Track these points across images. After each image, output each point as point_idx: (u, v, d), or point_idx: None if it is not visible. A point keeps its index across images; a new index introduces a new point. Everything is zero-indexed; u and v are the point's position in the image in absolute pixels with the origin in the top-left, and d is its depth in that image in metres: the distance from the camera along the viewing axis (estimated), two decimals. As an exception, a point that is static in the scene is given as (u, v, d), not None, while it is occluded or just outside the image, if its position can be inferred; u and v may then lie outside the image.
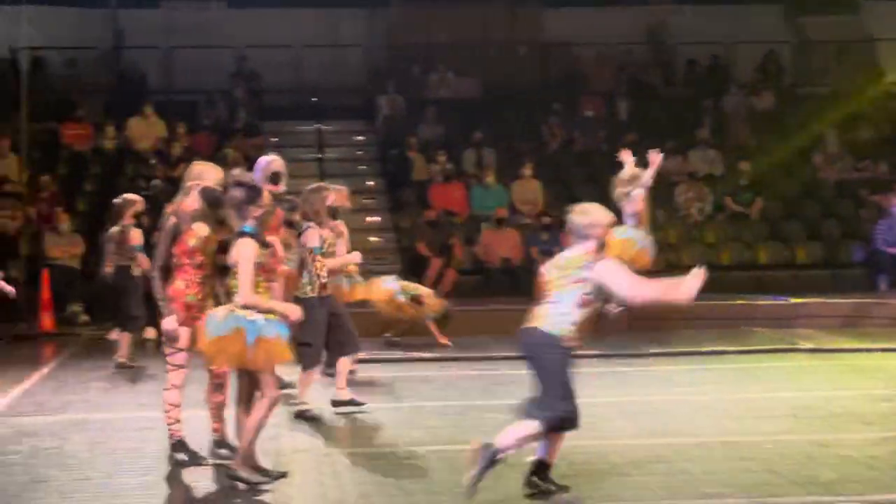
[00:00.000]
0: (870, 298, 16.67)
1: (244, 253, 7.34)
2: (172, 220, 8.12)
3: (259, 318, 7.34)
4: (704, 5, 24.24)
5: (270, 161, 10.44)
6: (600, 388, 11.47)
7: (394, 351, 13.69)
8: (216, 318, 7.41)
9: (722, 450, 8.64)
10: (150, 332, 15.01)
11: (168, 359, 8.14)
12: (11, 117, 20.24)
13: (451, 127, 21.61)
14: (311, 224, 9.89)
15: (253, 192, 7.52)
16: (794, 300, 15.85)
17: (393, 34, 23.98)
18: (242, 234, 7.43)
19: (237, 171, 7.92)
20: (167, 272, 8.05)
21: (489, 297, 17.09)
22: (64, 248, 17.26)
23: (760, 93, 22.79)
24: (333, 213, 10.39)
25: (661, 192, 19.99)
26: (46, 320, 15.47)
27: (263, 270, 7.47)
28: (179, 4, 22.69)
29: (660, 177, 20.12)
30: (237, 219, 7.48)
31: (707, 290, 17.43)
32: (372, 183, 20.77)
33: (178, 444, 8.22)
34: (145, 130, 20.41)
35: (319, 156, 21.00)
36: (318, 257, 9.77)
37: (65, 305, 16.51)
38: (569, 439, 8.97)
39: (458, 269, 17.91)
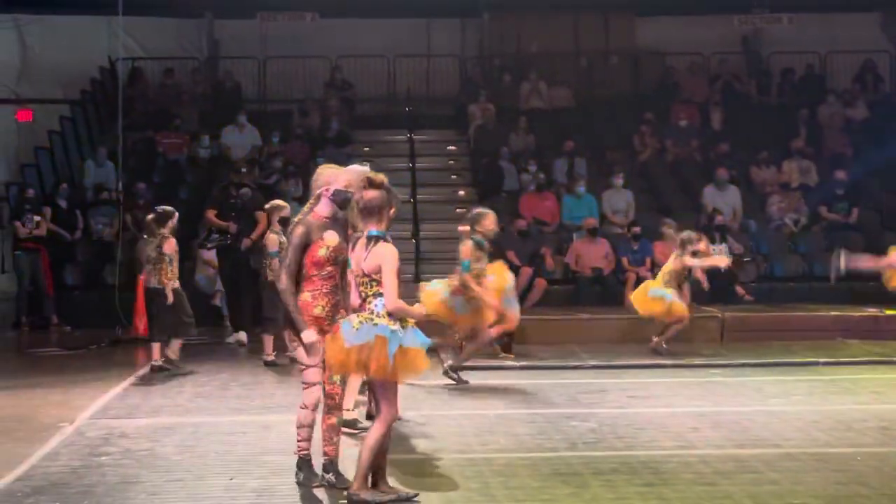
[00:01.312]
0: None
1: (389, 258, 7.11)
2: (301, 229, 7.74)
3: (398, 327, 7.12)
4: (800, 13, 23.95)
5: (362, 172, 10.53)
6: (689, 397, 11.44)
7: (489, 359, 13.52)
8: (352, 326, 7.16)
9: (811, 461, 8.54)
10: (241, 337, 15.27)
11: (303, 376, 7.81)
12: (109, 126, 20.70)
13: (543, 136, 21.60)
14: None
15: (390, 195, 7.31)
16: (888, 312, 15.58)
17: (485, 43, 24.06)
18: (377, 238, 7.20)
19: (371, 173, 7.49)
20: (297, 284, 7.73)
21: (579, 306, 17.05)
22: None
23: (857, 102, 22.46)
24: None
25: (754, 203, 19.87)
26: (141, 326, 15.73)
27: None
28: (275, 15, 22.96)
29: (753, 188, 20.10)
30: (369, 222, 7.26)
31: (800, 300, 17.35)
32: (463, 192, 20.82)
33: (300, 462, 7.92)
34: (239, 139, 20.70)
35: (411, 165, 21.09)
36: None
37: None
38: (655, 448, 8.99)
39: (549, 279, 17.90)
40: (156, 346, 13.18)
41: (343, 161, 20.54)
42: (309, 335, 7.61)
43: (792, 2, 24.08)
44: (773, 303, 17.12)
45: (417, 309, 7.35)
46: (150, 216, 13.27)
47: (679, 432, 9.70)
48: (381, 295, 7.15)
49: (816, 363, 13.37)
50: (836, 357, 13.73)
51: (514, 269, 17.56)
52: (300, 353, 7.77)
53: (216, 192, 16.71)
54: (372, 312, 7.16)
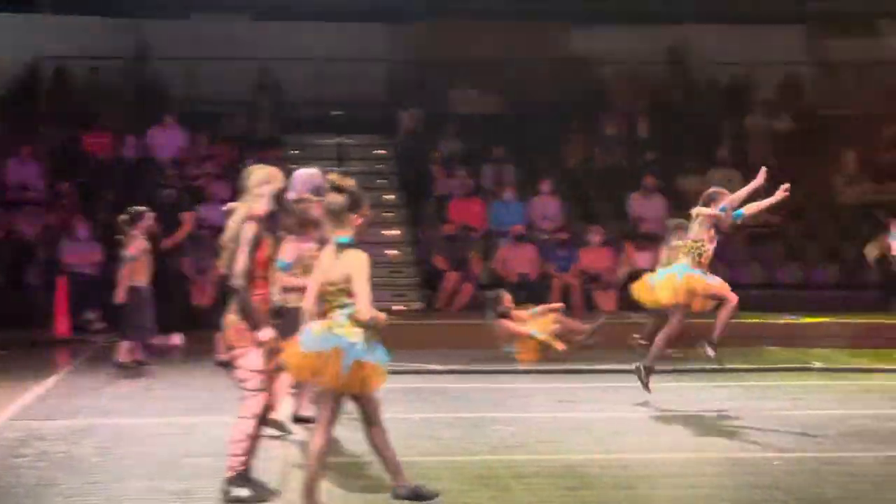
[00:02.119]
0: (883, 319, 16.65)
1: (360, 267, 6.89)
2: (254, 227, 7.53)
3: (359, 339, 6.92)
4: (726, 25, 24.23)
5: (313, 174, 10.50)
6: (613, 402, 11.52)
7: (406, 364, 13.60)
8: (312, 333, 6.96)
9: (729, 466, 8.66)
10: (175, 339, 15.11)
11: (247, 384, 7.54)
12: (33, 125, 20.43)
13: (472, 142, 21.65)
14: (293, 238, 9.66)
15: (355, 199, 7.03)
16: (807, 319, 15.82)
17: (415, 49, 24.07)
18: (346, 245, 6.98)
19: (336, 176, 7.19)
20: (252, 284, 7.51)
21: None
22: (82, 255, 17.38)
23: (781, 114, 22.76)
24: (317, 224, 10.18)
25: (678, 211, 20.03)
26: (62, 326, 15.56)
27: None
28: (205, 16, 22.81)
29: (678, 196, 20.28)
30: (334, 228, 7.03)
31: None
32: (391, 196, 20.82)
33: (240, 477, 7.56)
34: (166, 140, 20.52)
35: (340, 169, 21.03)
36: (283, 273, 9.54)
37: (81, 312, 16.60)
38: (579, 453, 9.05)
39: (475, 284, 17.95)
40: (123, 345, 13.15)
41: (271, 164, 20.55)
42: (266, 333, 7.42)
43: (719, 14, 24.36)
44: (697, 310, 17.24)
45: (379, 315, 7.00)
46: (122, 216, 13.29)
47: (602, 437, 9.78)
48: (345, 306, 6.92)
49: (738, 369, 13.53)
50: (757, 363, 13.91)
51: (441, 274, 17.65)
52: (248, 360, 7.51)
53: (144, 194, 16.56)
54: (334, 322, 6.94)
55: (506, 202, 19.41)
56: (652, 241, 18.47)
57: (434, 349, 14.53)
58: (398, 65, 24.10)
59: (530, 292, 17.75)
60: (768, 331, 15.54)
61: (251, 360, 7.49)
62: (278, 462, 8.57)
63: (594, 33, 23.96)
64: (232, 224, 7.67)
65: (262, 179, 7.73)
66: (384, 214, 20.11)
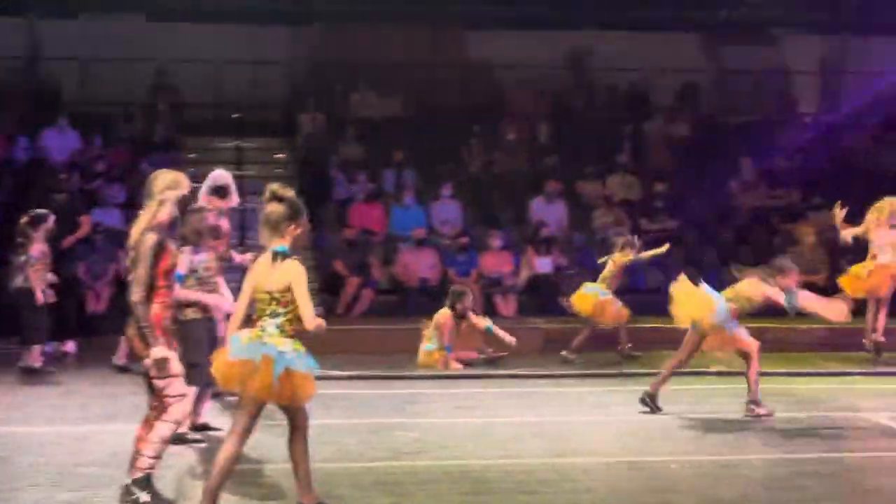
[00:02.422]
0: (779, 324, 16.88)
1: (299, 276, 6.83)
2: (155, 236, 7.33)
3: (289, 349, 6.85)
4: (626, 32, 24.49)
5: (217, 175, 10.36)
6: (512, 408, 11.55)
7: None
8: (240, 341, 6.87)
9: (627, 469, 8.72)
10: (69, 346, 14.84)
11: (167, 391, 7.35)
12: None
13: (372, 146, 21.60)
14: (187, 249, 9.48)
15: (295, 209, 6.99)
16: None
17: (315, 52, 23.96)
18: (283, 255, 6.90)
19: (276, 186, 7.06)
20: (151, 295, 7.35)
21: (406, 316, 17.08)
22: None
23: (679, 120, 23.06)
24: (216, 234, 10.12)
25: (579, 216, 20.21)
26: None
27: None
28: (99, 16, 22.46)
29: (579, 201, 20.45)
30: (272, 237, 6.93)
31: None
32: (291, 201, 20.65)
33: (145, 480, 7.40)
34: (59, 142, 20.14)
35: (238, 172, 20.81)
36: (178, 285, 9.42)
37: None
38: (480, 458, 9.05)
39: (376, 289, 17.89)
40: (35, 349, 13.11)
41: (169, 167, 20.29)
42: (161, 351, 7.27)
43: (618, 20, 24.61)
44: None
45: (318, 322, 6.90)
46: (24, 219, 13.21)
47: (502, 441, 9.79)
48: (277, 315, 6.86)
49: (635, 374, 13.64)
50: (654, 368, 13.98)
51: (342, 279, 17.56)
52: (170, 365, 7.33)
53: (37, 197, 16.23)
54: (263, 331, 6.87)
55: (406, 207, 19.39)
56: (552, 245, 18.62)
57: (334, 355, 14.39)
58: (298, 68, 23.98)
59: (431, 297, 17.77)
60: (667, 335, 15.61)
61: (170, 366, 7.35)
62: (174, 471, 8.43)
63: (495, 38, 24.06)
64: (134, 232, 7.48)
65: (166, 185, 7.53)
66: (284, 218, 19.94)
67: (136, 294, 7.28)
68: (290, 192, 7.03)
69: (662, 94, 24.19)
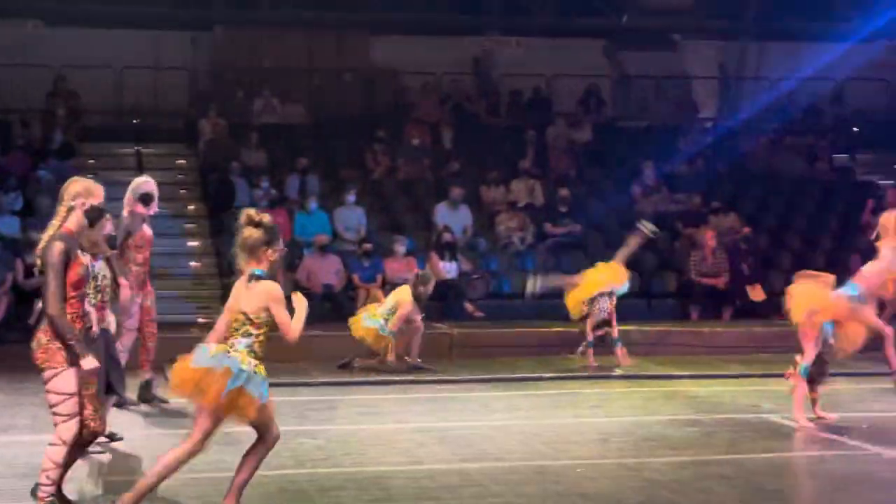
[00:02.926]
0: (680, 327, 17.12)
1: (275, 295, 6.99)
2: (61, 245, 7.08)
3: (251, 369, 6.97)
4: (528, 37, 24.65)
5: (142, 182, 10.20)
6: (418, 413, 11.53)
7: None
8: (207, 352, 7.01)
9: (532, 474, 8.72)
10: None
11: (58, 408, 7.07)
12: None
13: (275, 153, 21.46)
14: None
15: (271, 234, 7.09)
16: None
17: (217, 57, 23.76)
18: (258, 277, 7.03)
19: (252, 211, 7.17)
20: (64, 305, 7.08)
21: (310, 323, 16.92)
22: None
23: (581, 125, 23.24)
24: (111, 243, 9.91)
25: (483, 221, 20.25)
26: None
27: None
28: (-5, 20, 22.07)
29: (483, 206, 20.50)
30: (249, 261, 7.06)
31: (526, 317, 17.78)
32: (193, 207, 20.46)
33: None
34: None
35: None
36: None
37: None
38: (384, 465, 9.02)
39: (279, 295, 17.73)
40: None
41: (68, 174, 19.97)
42: (90, 362, 7.04)
43: (521, 26, 24.77)
44: (501, 319, 17.43)
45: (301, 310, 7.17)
46: None
47: (407, 448, 9.77)
48: (249, 335, 7.03)
49: (541, 378, 13.69)
50: (559, 372, 14.10)
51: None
52: (57, 383, 7.06)
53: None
54: (232, 346, 7.02)
55: (310, 213, 19.27)
56: (456, 251, 18.63)
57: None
58: (199, 73, 23.76)
59: (335, 303, 17.70)
60: (570, 339, 15.73)
61: (62, 382, 7.07)
62: (73, 484, 8.28)
63: (398, 44, 24.09)
64: (43, 241, 7.24)
65: (77, 192, 7.33)
66: (186, 225, 19.77)
67: (51, 307, 7.04)
68: (266, 217, 7.18)
69: (565, 99, 24.38)
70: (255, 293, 7.02)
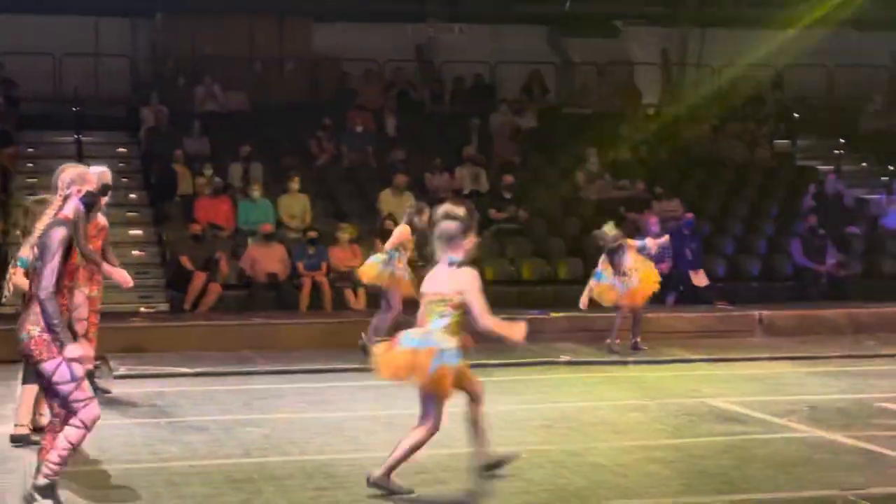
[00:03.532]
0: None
1: (473, 282, 7.49)
2: (64, 232, 6.96)
3: (450, 346, 7.50)
4: (471, 24, 24.66)
5: (101, 173, 10.11)
6: (365, 401, 11.51)
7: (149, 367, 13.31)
8: (410, 335, 7.60)
9: (478, 460, 8.72)
10: None
11: (73, 395, 6.93)
12: None
13: (218, 140, 21.33)
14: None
15: (467, 224, 7.61)
16: (554, 314, 16.19)
17: (157, 44, 23.57)
18: (453, 263, 7.55)
19: (449, 206, 7.75)
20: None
21: (254, 311, 16.92)
22: None
23: (525, 111, 23.29)
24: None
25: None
26: None
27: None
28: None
29: (427, 194, 20.49)
30: (446, 250, 7.57)
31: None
32: (135, 195, 20.31)
33: (50, 488, 7.03)
34: None
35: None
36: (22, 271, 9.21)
37: None
38: (331, 453, 9.00)
39: (223, 284, 17.66)
40: None
41: (5, 162, 19.76)
42: (75, 349, 6.89)
43: (464, 13, 24.78)
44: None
45: (510, 329, 7.68)
46: None
47: (354, 435, 9.76)
48: (445, 316, 7.52)
49: (486, 365, 13.69)
50: (504, 359, 14.10)
51: (188, 274, 17.31)
52: (62, 372, 6.90)
53: None
54: (431, 328, 7.54)
55: (253, 201, 19.18)
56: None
57: (181, 351, 14.25)
58: (140, 60, 23.57)
59: (280, 292, 17.64)
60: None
61: (66, 370, 6.92)
62: (16, 475, 8.21)
63: (341, 31, 24.03)
64: (38, 228, 7.10)
65: (71, 179, 7.21)
66: (128, 214, 19.63)
67: (44, 291, 6.89)
68: (461, 210, 7.74)
69: (508, 86, 24.43)
70: (454, 278, 7.55)
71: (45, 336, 6.95)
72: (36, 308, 6.97)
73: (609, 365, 13.93)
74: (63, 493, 7.19)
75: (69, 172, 7.30)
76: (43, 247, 6.99)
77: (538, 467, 8.51)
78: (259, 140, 21.32)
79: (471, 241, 7.65)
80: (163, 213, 19.64)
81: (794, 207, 21.60)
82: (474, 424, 8.01)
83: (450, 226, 7.62)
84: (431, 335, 7.51)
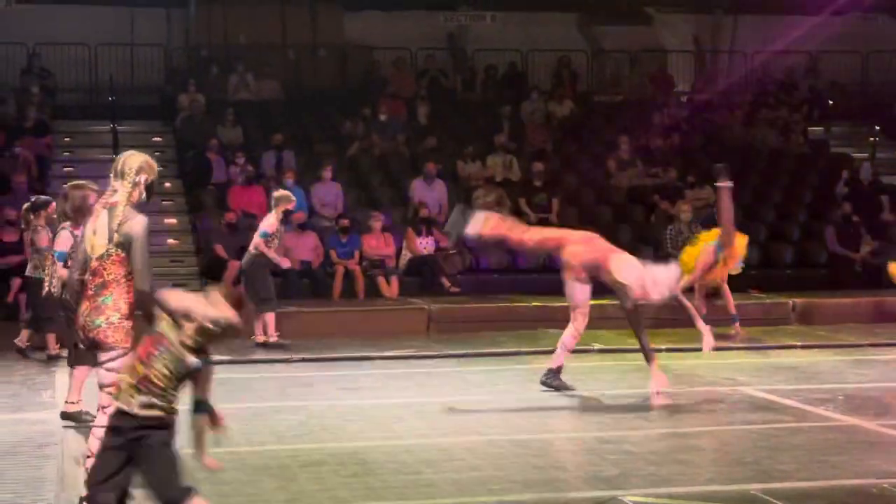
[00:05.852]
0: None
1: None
2: (145, 218, 6.97)
3: None
4: (502, 12, 24.64)
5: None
6: (397, 389, 11.56)
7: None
8: None
9: (511, 447, 8.77)
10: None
11: (109, 379, 6.87)
12: None
13: (251, 129, 21.41)
14: (67, 225, 9.52)
15: None
16: (594, 301, 16.12)
17: (191, 34, 23.67)
18: None
19: None
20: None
21: (288, 299, 16.96)
22: None
23: (556, 100, 23.25)
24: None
25: (459, 197, 20.25)
26: None
27: None
28: (-34, -2, 21.95)
29: (459, 182, 20.51)
30: None
31: (506, 291, 17.77)
32: (169, 184, 20.40)
33: None
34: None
35: (115, 156, 20.47)
36: (60, 264, 9.36)
37: None
38: (363, 440, 9.06)
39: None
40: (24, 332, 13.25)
41: (42, 152, 19.88)
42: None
43: (496, 1, 24.75)
44: (478, 294, 17.44)
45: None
46: (25, 205, 12.80)
47: (386, 423, 9.80)
48: None
49: (519, 353, 13.74)
50: (537, 346, 14.11)
51: (223, 263, 17.39)
52: (118, 364, 6.80)
53: None
54: None
55: (287, 189, 19.20)
56: (432, 226, 18.65)
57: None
58: (174, 50, 23.68)
59: (313, 280, 17.70)
60: (547, 314, 15.76)
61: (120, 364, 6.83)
62: (56, 461, 8.30)
63: (373, 19, 24.06)
64: (116, 215, 6.99)
65: (140, 167, 7.11)
66: (163, 203, 19.71)
67: (143, 283, 6.84)
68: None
69: (540, 74, 24.40)
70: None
71: (126, 324, 6.96)
72: (117, 294, 6.92)
73: (639, 353, 13.89)
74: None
75: (137, 159, 7.18)
76: (130, 238, 6.90)
77: (571, 455, 8.55)
78: (291, 128, 21.39)
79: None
80: (197, 202, 19.74)
81: (828, 194, 21.47)
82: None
83: None
84: None
